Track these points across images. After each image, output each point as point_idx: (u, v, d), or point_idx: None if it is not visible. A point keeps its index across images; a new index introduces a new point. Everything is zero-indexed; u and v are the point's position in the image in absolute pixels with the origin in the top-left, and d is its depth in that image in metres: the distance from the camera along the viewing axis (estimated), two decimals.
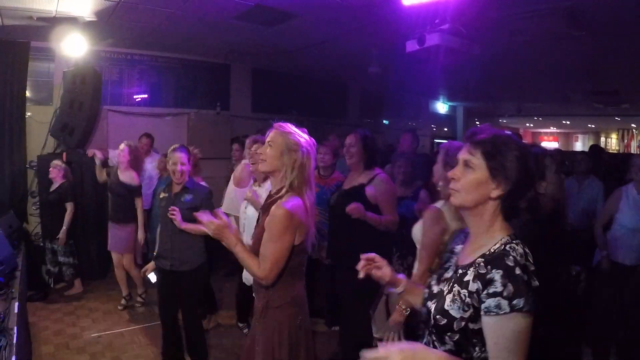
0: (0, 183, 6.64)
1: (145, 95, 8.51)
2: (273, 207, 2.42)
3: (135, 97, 8.42)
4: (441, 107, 16.44)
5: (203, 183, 4.64)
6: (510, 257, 1.47)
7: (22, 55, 7.03)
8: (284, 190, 2.49)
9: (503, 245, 1.53)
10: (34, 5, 5.57)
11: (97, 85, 7.02)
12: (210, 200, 4.19)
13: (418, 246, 2.98)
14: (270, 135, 2.56)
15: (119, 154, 5.86)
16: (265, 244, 2.40)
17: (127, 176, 5.82)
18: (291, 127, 2.57)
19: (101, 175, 6.34)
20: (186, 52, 8.51)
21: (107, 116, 7.95)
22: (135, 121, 8.15)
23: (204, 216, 2.44)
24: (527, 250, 1.52)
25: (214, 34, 7.04)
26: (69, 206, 6.13)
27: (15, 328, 3.41)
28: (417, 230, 2.99)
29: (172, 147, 4.19)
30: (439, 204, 2.87)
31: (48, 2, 5.50)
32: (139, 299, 6.03)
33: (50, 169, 6.21)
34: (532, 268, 1.47)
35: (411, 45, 5.08)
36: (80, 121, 6.90)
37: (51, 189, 6.25)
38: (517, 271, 1.43)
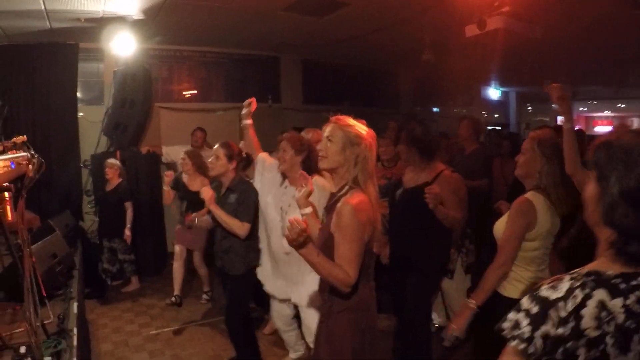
0: (56, 182, 6.75)
1: (196, 91, 8.53)
2: (339, 206, 2.28)
3: (185, 93, 8.44)
4: (493, 92, 15.95)
5: None
6: (536, 293, 1.21)
7: (72, 57, 7.10)
8: (347, 187, 2.36)
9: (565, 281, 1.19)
10: (81, 6, 5.61)
11: (148, 83, 7.09)
12: (252, 194, 3.94)
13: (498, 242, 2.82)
14: (329, 129, 2.43)
15: (181, 162, 5.75)
16: (341, 245, 2.25)
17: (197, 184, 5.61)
18: (350, 120, 2.44)
19: (169, 198, 5.65)
20: (235, 46, 8.43)
21: (158, 113, 8.00)
22: (187, 117, 8.15)
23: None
24: (598, 306, 1.12)
25: (262, 26, 6.94)
26: (129, 205, 6.18)
27: (75, 329, 3.41)
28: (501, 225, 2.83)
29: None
30: (531, 194, 2.72)
31: (95, 3, 5.53)
32: (204, 296, 6.04)
33: (107, 169, 6.24)
34: (562, 331, 1.12)
35: (471, 30, 4.85)
36: (132, 119, 6.98)
37: (108, 188, 6.31)
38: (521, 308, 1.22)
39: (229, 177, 3.95)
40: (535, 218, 2.63)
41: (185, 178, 5.71)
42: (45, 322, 3.23)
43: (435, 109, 13.27)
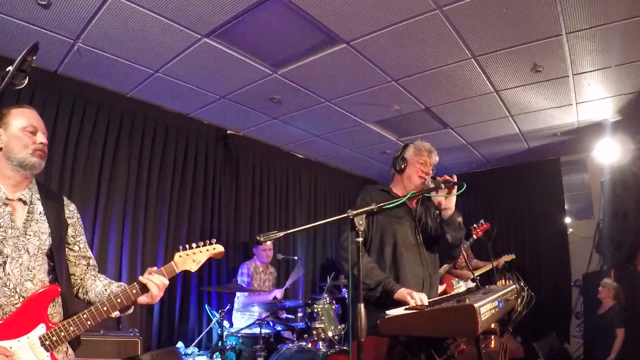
0: (544, 302, 6.75)
1: None
2: None
3: None
4: None
5: None
6: None
7: (554, 172, 7.33)
8: None
9: None
10: (555, 121, 5.79)
11: None
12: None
13: None
14: None
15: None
16: None
17: None
18: None
19: None
20: None
21: None
22: None
23: None
24: None
25: None
26: (620, 333, 5.52)
27: None
28: None
29: None
30: None
31: (568, 115, 5.61)
32: None
33: (600, 289, 5.85)
34: None
35: None
36: (626, 233, 6.34)
37: (599, 311, 5.84)
38: None
39: None
40: None
41: None
42: None
43: None
